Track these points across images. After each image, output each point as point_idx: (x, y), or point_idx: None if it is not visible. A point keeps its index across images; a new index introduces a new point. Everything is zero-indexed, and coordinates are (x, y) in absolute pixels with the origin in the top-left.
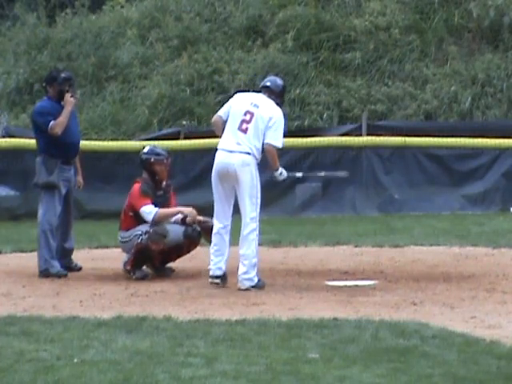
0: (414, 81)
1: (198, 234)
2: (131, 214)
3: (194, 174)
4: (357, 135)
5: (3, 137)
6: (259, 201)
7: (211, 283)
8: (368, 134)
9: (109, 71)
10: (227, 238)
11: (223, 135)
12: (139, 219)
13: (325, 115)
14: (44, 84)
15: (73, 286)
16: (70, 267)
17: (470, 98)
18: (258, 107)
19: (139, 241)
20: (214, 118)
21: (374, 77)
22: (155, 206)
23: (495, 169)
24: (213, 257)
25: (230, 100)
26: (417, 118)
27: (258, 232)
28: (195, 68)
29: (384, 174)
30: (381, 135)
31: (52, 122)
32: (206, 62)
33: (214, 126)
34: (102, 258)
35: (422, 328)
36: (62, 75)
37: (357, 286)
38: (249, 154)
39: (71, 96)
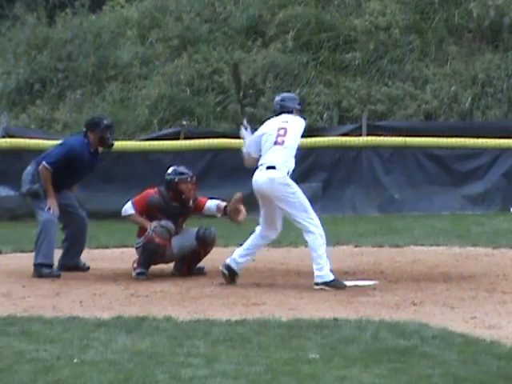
0: (414, 81)
1: (212, 235)
2: (144, 217)
3: (194, 174)
4: (357, 135)
5: (3, 137)
6: (308, 207)
7: (221, 272)
8: (368, 134)
9: (109, 71)
10: (260, 243)
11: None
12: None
13: (325, 115)
14: (85, 129)
15: (73, 285)
16: (77, 267)
17: (470, 98)
18: (288, 122)
19: (147, 234)
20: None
21: (373, 77)
22: (167, 216)
23: (495, 169)
24: (240, 250)
25: (259, 130)
26: (417, 118)
27: (319, 238)
28: (195, 68)
29: (384, 174)
30: (381, 135)
31: (47, 166)
32: (206, 62)
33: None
34: (101, 258)
35: (422, 328)
36: (105, 122)
37: (357, 285)
38: (274, 167)
39: (110, 144)
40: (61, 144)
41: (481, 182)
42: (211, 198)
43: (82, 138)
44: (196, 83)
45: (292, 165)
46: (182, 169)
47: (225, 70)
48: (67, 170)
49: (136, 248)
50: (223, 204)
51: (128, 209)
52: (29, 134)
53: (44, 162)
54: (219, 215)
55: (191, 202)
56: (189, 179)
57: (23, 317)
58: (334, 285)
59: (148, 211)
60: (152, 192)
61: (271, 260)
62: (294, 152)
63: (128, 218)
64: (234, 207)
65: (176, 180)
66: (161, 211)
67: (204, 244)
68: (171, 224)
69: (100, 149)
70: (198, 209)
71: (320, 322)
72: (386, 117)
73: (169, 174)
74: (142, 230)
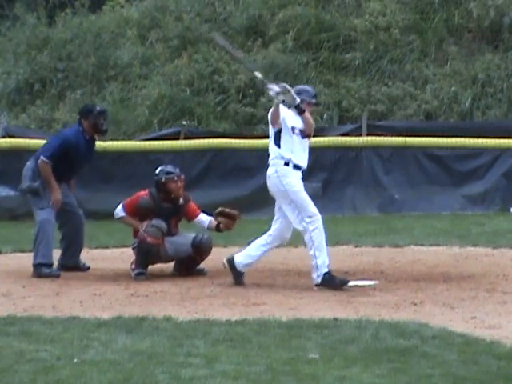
0: (414, 81)
1: (207, 243)
2: (137, 219)
3: (194, 173)
4: (357, 135)
5: (3, 137)
6: (301, 200)
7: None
8: (368, 134)
9: (109, 71)
10: (265, 241)
11: None
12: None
13: (325, 115)
14: (78, 117)
15: (73, 285)
16: (77, 266)
17: (470, 98)
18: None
19: (140, 235)
20: None
21: (374, 77)
22: (159, 217)
23: (495, 169)
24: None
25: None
26: (417, 118)
27: (315, 231)
28: (195, 68)
29: (384, 174)
30: (381, 135)
31: (46, 160)
32: (206, 62)
33: None
34: (101, 258)
35: (422, 328)
36: (97, 109)
37: (357, 285)
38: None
39: (104, 130)
40: (55, 136)
41: (481, 182)
42: (204, 212)
43: (76, 127)
44: (196, 83)
45: (280, 151)
46: (169, 168)
47: (225, 70)
48: (65, 161)
49: (132, 248)
50: (215, 222)
51: (119, 211)
52: (29, 133)
53: (42, 157)
54: (207, 230)
55: (181, 200)
56: (176, 178)
57: (23, 317)
58: (333, 284)
59: (139, 213)
60: (143, 194)
61: (271, 260)
62: (271, 138)
63: (120, 220)
64: (226, 221)
65: (163, 180)
66: (152, 213)
67: (199, 252)
68: (162, 222)
69: (96, 137)
70: (190, 216)
71: (320, 322)
72: (386, 117)
73: (157, 175)
74: (137, 231)
